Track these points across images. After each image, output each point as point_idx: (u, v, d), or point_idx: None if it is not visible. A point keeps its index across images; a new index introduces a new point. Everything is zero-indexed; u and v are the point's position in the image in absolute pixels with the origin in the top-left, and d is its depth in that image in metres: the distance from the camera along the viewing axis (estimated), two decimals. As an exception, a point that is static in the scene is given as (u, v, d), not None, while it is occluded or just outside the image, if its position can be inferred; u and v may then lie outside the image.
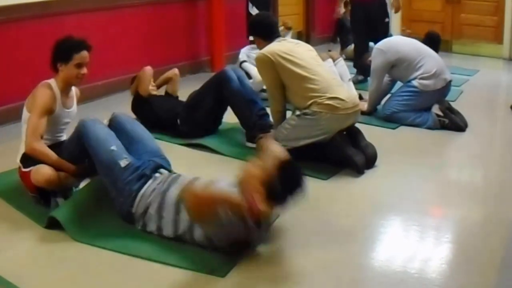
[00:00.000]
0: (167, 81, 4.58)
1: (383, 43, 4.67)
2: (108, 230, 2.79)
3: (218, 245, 2.54)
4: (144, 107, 4.29)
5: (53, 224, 2.77)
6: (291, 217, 2.95)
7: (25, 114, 3.08)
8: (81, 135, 2.92)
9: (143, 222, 2.73)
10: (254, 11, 5.86)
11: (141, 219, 2.74)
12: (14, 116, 4.49)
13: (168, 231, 2.66)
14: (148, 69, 4.37)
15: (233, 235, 2.47)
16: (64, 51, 3.07)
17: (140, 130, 3.09)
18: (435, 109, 4.45)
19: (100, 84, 5.21)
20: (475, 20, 7.52)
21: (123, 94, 5.26)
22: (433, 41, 5.02)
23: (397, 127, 4.48)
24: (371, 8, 5.76)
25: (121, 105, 4.39)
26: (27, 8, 4.58)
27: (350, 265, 2.56)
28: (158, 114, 4.21)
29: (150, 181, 2.79)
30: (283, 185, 2.47)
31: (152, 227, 2.71)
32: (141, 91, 4.31)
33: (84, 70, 3.10)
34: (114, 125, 3.06)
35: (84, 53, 3.08)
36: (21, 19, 4.56)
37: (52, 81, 3.11)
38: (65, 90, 3.16)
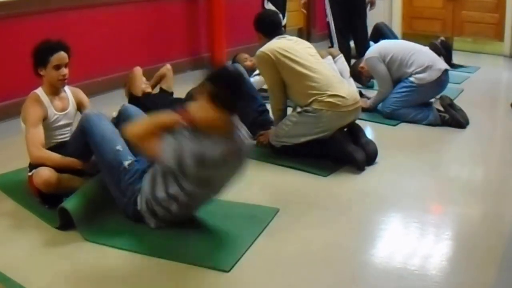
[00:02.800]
0: (161, 78, 4.51)
1: (375, 50, 4.69)
2: (111, 226, 2.78)
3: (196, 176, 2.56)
4: (139, 107, 4.28)
5: (64, 224, 2.74)
6: (292, 214, 2.97)
7: (22, 125, 3.09)
8: (85, 130, 2.88)
9: (154, 219, 2.70)
10: (269, 6, 5.87)
11: (151, 216, 2.70)
12: (15, 111, 4.51)
13: (168, 204, 2.64)
14: (137, 69, 4.30)
15: (192, 156, 2.48)
16: (40, 55, 3.06)
17: None
18: (436, 105, 4.46)
19: (100, 80, 5.21)
20: (476, 17, 7.51)
21: (123, 91, 5.26)
22: (446, 49, 5.39)
23: (397, 123, 4.48)
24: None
25: (121, 101, 4.35)
26: (27, 4, 4.57)
27: (350, 261, 2.56)
28: (154, 112, 4.19)
29: (146, 175, 2.75)
30: (219, 86, 2.54)
31: (162, 214, 2.67)
32: (134, 92, 4.26)
33: (64, 71, 3.08)
34: (123, 117, 3.02)
35: (61, 54, 3.06)
36: (21, 14, 4.55)
37: (39, 90, 3.12)
38: (54, 94, 3.15)
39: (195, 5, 6.30)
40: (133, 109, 3.11)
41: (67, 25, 4.80)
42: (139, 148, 2.65)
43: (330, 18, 5.96)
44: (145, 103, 4.23)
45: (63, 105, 3.19)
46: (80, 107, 3.29)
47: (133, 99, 4.31)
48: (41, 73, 3.09)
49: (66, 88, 3.24)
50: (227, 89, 2.57)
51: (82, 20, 4.99)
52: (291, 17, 7.00)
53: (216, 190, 2.74)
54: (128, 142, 2.82)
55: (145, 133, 2.59)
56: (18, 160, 3.38)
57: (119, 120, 3.03)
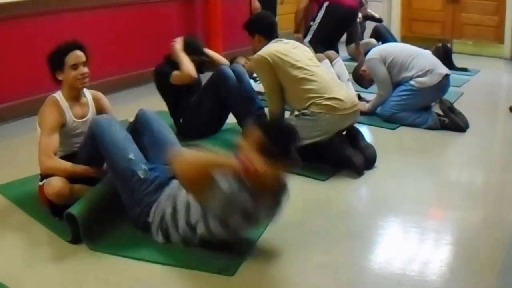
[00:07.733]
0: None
1: (376, 52, 4.68)
2: (114, 235, 2.72)
3: (231, 227, 2.46)
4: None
5: (75, 238, 2.66)
6: (290, 218, 2.93)
7: (37, 130, 2.97)
8: (94, 136, 2.76)
9: (163, 234, 2.62)
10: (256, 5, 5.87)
11: (159, 230, 2.62)
12: (9, 115, 4.49)
13: (185, 232, 2.55)
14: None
15: (241, 210, 2.38)
16: (55, 59, 2.96)
17: (165, 131, 2.93)
18: (436, 108, 4.44)
19: (96, 83, 5.14)
20: (476, 19, 7.50)
21: (119, 94, 5.24)
22: (445, 53, 5.51)
23: (396, 127, 4.45)
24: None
25: (116, 106, 4.30)
26: (23, 6, 4.54)
27: (348, 266, 2.53)
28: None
29: (166, 188, 2.67)
30: (274, 140, 2.41)
31: (175, 237, 2.60)
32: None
33: (83, 70, 2.96)
34: (141, 121, 2.92)
35: (76, 53, 2.96)
36: (17, 17, 4.53)
37: (58, 94, 3.00)
38: (74, 99, 3.02)
39: (191, 7, 6.29)
40: (152, 115, 2.96)
41: (62, 27, 4.77)
42: (185, 186, 2.52)
43: (313, 28, 5.95)
44: None
45: (82, 112, 3.05)
46: (101, 113, 3.10)
47: None
48: (59, 77, 2.97)
49: (87, 92, 3.12)
50: (280, 145, 2.42)
51: (77, 23, 4.96)
52: (288, 19, 6.99)
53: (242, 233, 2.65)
54: (140, 149, 2.77)
55: (196, 175, 2.39)
56: (27, 166, 3.29)
57: (136, 125, 2.92)
